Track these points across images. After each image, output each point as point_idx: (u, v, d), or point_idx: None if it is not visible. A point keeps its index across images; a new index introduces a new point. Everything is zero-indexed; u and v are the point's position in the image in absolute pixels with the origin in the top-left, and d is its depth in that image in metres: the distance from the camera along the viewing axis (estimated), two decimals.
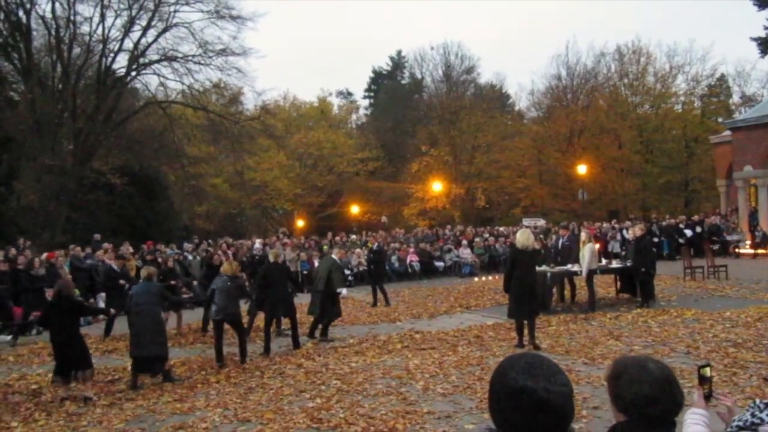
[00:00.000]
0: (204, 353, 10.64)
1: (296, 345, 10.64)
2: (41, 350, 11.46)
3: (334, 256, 12.15)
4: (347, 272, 20.24)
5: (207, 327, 12.49)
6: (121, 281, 13.17)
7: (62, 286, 8.53)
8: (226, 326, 9.92)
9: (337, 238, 22.67)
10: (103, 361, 10.39)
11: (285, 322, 11.78)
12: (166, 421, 6.98)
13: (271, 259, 11.41)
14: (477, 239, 23.71)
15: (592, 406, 6.56)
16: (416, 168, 41.22)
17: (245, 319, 11.13)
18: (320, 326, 11.53)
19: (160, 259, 18.18)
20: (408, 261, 21.78)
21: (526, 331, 9.84)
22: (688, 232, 23.78)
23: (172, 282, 14.55)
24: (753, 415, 2.30)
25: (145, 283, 9.20)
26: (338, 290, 11.59)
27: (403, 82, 53.96)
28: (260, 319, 11.61)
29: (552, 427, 1.61)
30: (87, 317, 14.03)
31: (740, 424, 2.33)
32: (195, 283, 15.90)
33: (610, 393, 2.01)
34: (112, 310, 11.22)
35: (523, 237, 10.12)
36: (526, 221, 30.04)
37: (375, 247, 17.27)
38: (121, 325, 10.85)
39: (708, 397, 2.32)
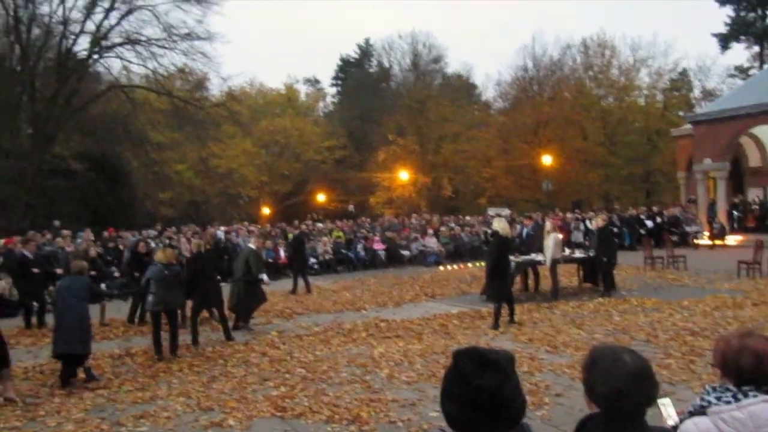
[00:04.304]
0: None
1: (228, 337, 10.33)
2: None
3: (251, 245, 12.04)
4: (312, 260, 20.21)
5: (134, 318, 12.21)
6: (35, 269, 12.67)
7: None
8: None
9: (303, 226, 22.55)
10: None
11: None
12: (128, 411, 6.87)
13: (195, 249, 11.28)
14: (443, 228, 23.82)
15: (555, 393, 6.65)
16: (383, 157, 41.20)
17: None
18: (240, 315, 11.48)
19: (122, 246, 17.93)
20: (374, 249, 21.77)
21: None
22: (649, 223, 24.21)
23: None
24: (702, 399, 2.38)
25: (72, 277, 8.67)
26: (260, 276, 11.46)
27: (370, 70, 53.75)
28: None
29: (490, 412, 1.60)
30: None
31: (691, 409, 2.42)
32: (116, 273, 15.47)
33: (584, 382, 1.99)
34: (35, 303, 10.77)
35: (505, 225, 10.87)
36: (491, 211, 30.31)
37: (295, 234, 17.11)
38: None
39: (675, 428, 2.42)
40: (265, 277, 11.60)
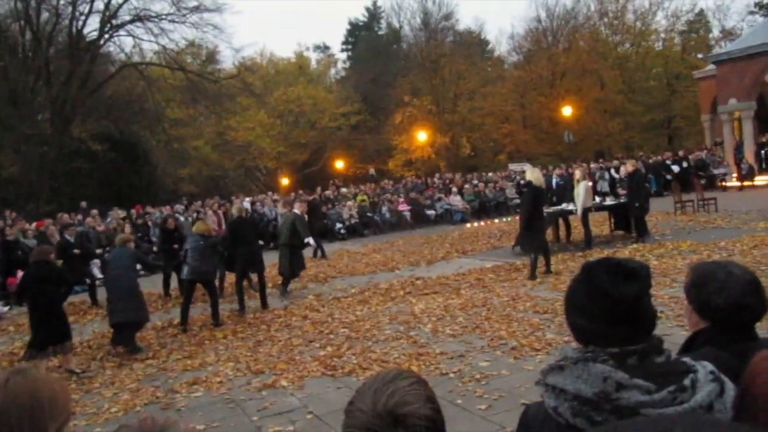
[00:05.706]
0: (206, 311, 10.53)
1: (264, 305, 10.31)
2: None
3: (296, 210, 12.07)
4: (339, 225, 20.27)
5: (169, 291, 12.36)
6: (76, 251, 12.81)
7: (35, 253, 8.06)
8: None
9: (327, 192, 22.56)
10: (105, 326, 10.32)
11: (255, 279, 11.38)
12: (180, 378, 6.98)
13: (235, 213, 11.30)
14: (467, 186, 23.70)
15: None
16: (399, 119, 40.82)
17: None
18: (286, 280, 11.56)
19: (149, 223, 18.06)
20: (399, 211, 21.72)
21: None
22: (675, 168, 23.90)
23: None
24: None
25: (119, 248, 8.96)
26: (306, 240, 11.52)
27: (380, 32, 52.99)
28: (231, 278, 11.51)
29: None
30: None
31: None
32: (154, 249, 15.57)
33: (692, 301, 1.94)
34: (87, 281, 11.08)
35: (538, 175, 10.85)
36: (512, 166, 30.04)
37: (310, 201, 17.20)
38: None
39: None
40: (311, 240, 11.86)
